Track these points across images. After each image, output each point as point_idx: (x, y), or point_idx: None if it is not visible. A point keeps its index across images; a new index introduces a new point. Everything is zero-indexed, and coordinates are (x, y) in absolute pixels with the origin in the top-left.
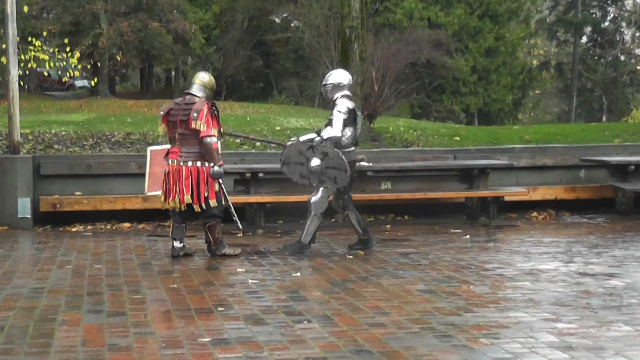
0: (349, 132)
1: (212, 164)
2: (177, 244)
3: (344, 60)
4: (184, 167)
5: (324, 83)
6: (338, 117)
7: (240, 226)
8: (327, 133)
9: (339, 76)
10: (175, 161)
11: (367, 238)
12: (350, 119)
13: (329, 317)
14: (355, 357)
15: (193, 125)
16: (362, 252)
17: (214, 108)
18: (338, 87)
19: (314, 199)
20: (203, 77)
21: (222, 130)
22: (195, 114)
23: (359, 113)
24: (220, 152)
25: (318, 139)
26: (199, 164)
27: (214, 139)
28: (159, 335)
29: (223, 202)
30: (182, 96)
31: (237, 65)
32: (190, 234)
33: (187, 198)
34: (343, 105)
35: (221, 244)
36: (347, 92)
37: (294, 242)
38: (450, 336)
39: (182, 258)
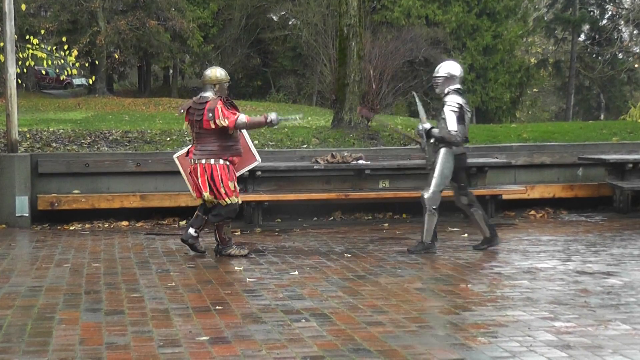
0: (460, 128)
1: (268, 121)
2: (191, 230)
3: (342, 59)
4: (198, 165)
5: (434, 75)
6: (450, 116)
7: None
8: (441, 132)
9: (450, 68)
10: (192, 160)
11: (492, 236)
12: (460, 116)
13: (327, 316)
14: (354, 355)
15: (212, 126)
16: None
17: (226, 100)
18: (449, 79)
19: (426, 195)
20: (205, 75)
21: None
22: (210, 115)
23: (467, 109)
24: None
25: (436, 130)
26: (212, 161)
27: (242, 117)
28: (157, 333)
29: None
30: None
31: (234, 63)
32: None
33: (206, 195)
34: (453, 102)
35: (228, 244)
36: (458, 86)
37: (417, 244)
38: (449, 335)
39: (180, 257)
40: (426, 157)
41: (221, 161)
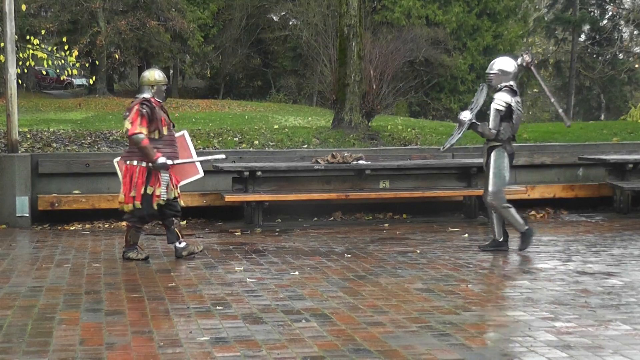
0: (506, 126)
1: (157, 162)
2: (176, 244)
3: (342, 59)
4: (124, 166)
5: (487, 71)
6: (494, 114)
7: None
8: (482, 128)
9: (504, 63)
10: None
11: (503, 241)
12: (507, 114)
13: (327, 316)
14: (354, 356)
15: (128, 127)
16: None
17: (143, 106)
18: (501, 76)
19: (489, 198)
20: (142, 77)
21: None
22: (127, 113)
23: (519, 107)
24: (149, 149)
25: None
26: (135, 162)
27: (141, 136)
28: (157, 334)
29: (154, 206)
30: None
31: (235, 63)
32: (188, 232)
33: (121, 197)
34: (501, 100)
35: (129, 247)
36: (511, 83)
37: (520, 242)
38: (449, 335)
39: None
40: (450, 145)
41: (143, 164)
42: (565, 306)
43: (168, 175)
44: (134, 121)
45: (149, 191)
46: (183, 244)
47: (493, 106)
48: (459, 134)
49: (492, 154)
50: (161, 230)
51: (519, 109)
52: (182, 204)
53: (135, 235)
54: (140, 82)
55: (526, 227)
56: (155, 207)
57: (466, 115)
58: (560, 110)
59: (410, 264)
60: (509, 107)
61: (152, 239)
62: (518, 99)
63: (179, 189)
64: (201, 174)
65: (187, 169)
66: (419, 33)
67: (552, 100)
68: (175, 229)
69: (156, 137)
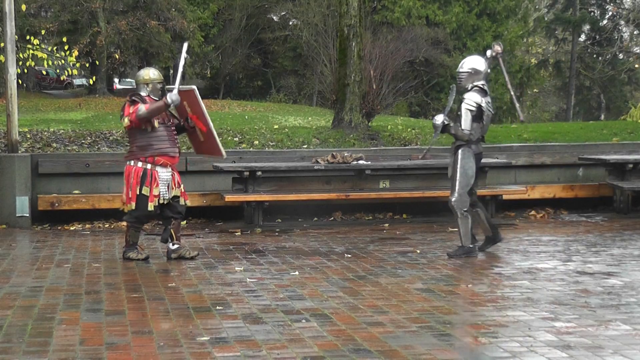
0: (476, 127)
1: (168, 102)
2: (169, 246)
3: (342, 59)
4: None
5: (458, 70)
6: (466, 114)
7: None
8: (454, 129)
9: (475, 62)
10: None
11: (494, 234)
12: (478, 115)
13: (327, 316)
14: (354, 356)
15: (123, 123)
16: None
17: (133, 98)
18: (475, 74)
19: (453, 198)
20: (138, 75)
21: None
22: (121, 112)
23: (489, 107)
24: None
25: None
26: (131, 162)
27: (141, 107)
28: (157, 334)
29: (150, 207)
30: None
31: (235, 63)
32: (188, 232)
33: (123, 197)
34: (471, 100)
35: (128, 248)
36: (482, 82)
37: (457, 248)
38: (449, 335)
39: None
40: (427, 150)
41: (140, 163)
42: (565, 306)
43: (170, 173)
44: (127, 111)
45: (144, 192)
46: (175, 246)
47: (464, 107)
48: (434, 138)
49: (459, 153)
50: (161, 230)
51: (489, 110)
52: (188, 203)
53: (134, 235)
54: (136, 80)
55: (470, 246)
56: (151, 208)
57: (438, 119)
58: (517, 105)
59: (410, 264)
60: (479, 107)
61: (152, 239)
62: (488, 99)
63: (182, 187)
64: (224, 155)
65: (211, 146)
66: (419, 33)
67: (512, 93)
68: (171, 230)
69: (149, 130)
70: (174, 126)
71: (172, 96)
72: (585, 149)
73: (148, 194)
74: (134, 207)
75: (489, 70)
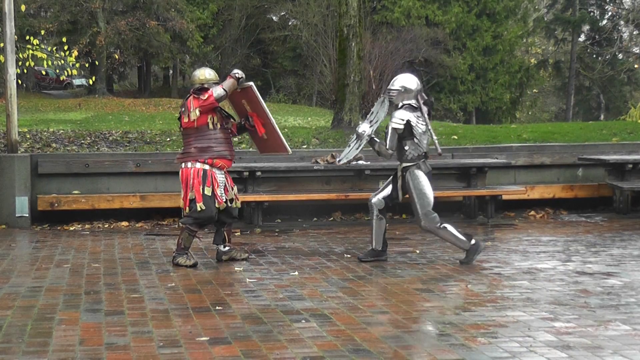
0: (411, 144)
1: (234, 75)
2: (220, 247)
3: (342, 59)
4: (180, 170)
5: (389, 87)
6: (392, 133)
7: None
8: (379, 146)
9: (406, 81)
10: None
11: (382, 251)
12: (408, 132)
13: (327, 316)
14: (354, 356)
15: (185, 119)
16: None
17: (195, 94)
18: (405, 92)
19: (422, 222)
20: (193, 76)
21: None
22: (183, 109)
23: (420, 122)
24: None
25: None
26: (189, 164)
27: (217, 89)
28: (156, 334)
29: (220, 206)
30: None
31: (234, 63)
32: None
33: (181, 202)
34: (398, 117)
35: (179, 252)
36: (412, 101)
37: (465, 255)
38: (448, 335)
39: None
40: (347, 160)
41: (198, 165)
42: (564, 306)
43: (223, 176)
44: (197, 102)
45: (207, 192)
46: (226, 248)
47: (391, 125)
48: (357, 148)
49: (408, 179)
50: (161, 230)
51: (419, 124)
52: (239, 205)
53: (188, 239)
54: (191, 81)
55: (471, 243)
56: (222, 207)
57: (365, 129)
58: (435, 138)
59: (410, 264)
60: (407, 123)
61: (151, 239)
62: (419, 113)
63: (235, 189)
64: (289, 151)
65: (275, 143)
66: (418, 33)
67: (430, 127)
68: (224, 231)
69: (210, 126)
70: (229, 129)
71: (237, 70)
72: (584, 149)
73: (211, 194)
74: (203, 207)
75: (420, 88)
